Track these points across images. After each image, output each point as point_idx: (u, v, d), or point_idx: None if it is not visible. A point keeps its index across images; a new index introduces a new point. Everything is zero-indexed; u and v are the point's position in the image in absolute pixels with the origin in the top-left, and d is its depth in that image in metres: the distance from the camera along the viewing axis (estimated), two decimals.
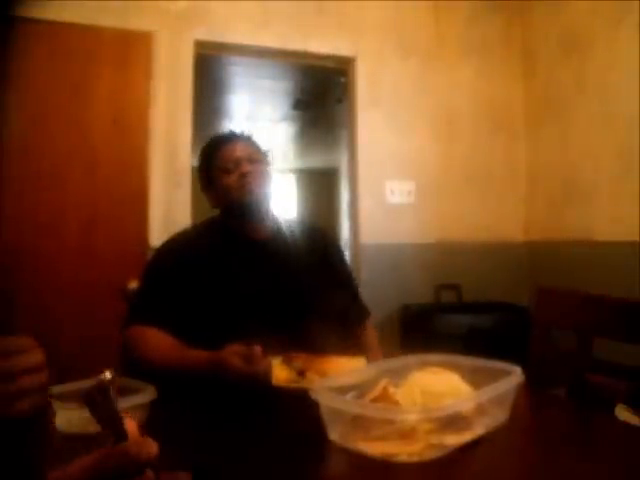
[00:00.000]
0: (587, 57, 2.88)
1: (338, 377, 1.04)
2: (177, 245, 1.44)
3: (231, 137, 1.48)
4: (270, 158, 1.52)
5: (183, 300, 1.34)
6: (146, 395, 0.96)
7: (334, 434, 0.90)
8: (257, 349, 1.10)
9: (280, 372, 1.08)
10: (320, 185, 7.20)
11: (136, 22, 2.64)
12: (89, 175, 2.56)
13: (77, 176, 2.56)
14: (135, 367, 1.28)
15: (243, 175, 1.40)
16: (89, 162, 2.57)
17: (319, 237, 1.60)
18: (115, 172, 2.60)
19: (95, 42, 2.58)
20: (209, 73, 3.35)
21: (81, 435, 0.78)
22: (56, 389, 0.93)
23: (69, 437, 0.84)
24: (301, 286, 1.42)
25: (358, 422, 0.89)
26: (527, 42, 3.36)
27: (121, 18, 2.59)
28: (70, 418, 0.87)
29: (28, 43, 2.46)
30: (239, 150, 1.43)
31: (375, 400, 0.91)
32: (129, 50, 2.65)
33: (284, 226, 1.53)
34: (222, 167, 1.42)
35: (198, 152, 1.53)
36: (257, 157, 1.45)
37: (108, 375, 0.50)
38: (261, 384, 1.07)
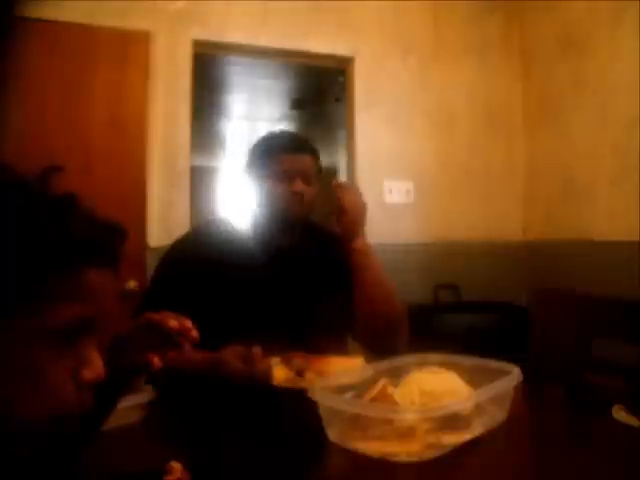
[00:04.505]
0: (585, 57, 2.88)
1: (337, 377, 1.04)
2: (191, 242, 1.40)
3: (296, 148, 1.39)
4: (320, 177, 1.44)
5: (188, 299, 1.31)
6: (143, 395, 0.95)
7: (333, 434, 0.90)
8: (256, 350, 1.10)
9: (279, 372, 1.07)
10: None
11: (134, 22, 2.63)
12: (86, 175, 2.55)
13: (74, 176, 2.49)
14: None
15: (293, 194, 1.34)
16: (86, 162, 2.55)
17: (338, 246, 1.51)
18: (113, 172, 2.59)
19: (93, 41, 2.57)
20: (207, 73, 3.34)
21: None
22: None
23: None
24: (313, 297, 1.38)
25: (357, 422, 0.89)
26: (525, 42, 3.36)
27: (119, 18, 2.58)
28: None
29: (26, 42, 2.45)
30: (298, 164, 1.36)
31: (374, 400, 0.91)
32: (127, 50, 2.64)
33: (307, 235, 1.47)
34: (275, 173, 1.35)
35: (257, 139, 1.44)
36: (311, 175, 1.39)
37: None
38: (260, 384, 1.06)
